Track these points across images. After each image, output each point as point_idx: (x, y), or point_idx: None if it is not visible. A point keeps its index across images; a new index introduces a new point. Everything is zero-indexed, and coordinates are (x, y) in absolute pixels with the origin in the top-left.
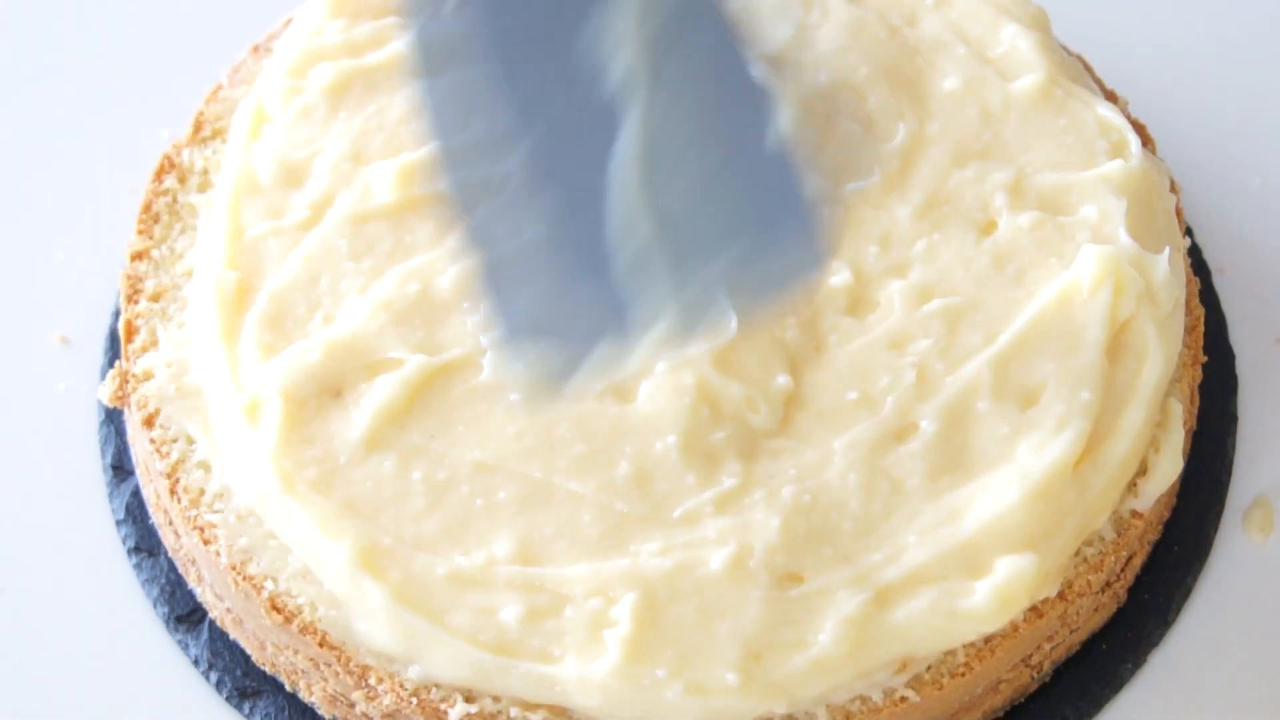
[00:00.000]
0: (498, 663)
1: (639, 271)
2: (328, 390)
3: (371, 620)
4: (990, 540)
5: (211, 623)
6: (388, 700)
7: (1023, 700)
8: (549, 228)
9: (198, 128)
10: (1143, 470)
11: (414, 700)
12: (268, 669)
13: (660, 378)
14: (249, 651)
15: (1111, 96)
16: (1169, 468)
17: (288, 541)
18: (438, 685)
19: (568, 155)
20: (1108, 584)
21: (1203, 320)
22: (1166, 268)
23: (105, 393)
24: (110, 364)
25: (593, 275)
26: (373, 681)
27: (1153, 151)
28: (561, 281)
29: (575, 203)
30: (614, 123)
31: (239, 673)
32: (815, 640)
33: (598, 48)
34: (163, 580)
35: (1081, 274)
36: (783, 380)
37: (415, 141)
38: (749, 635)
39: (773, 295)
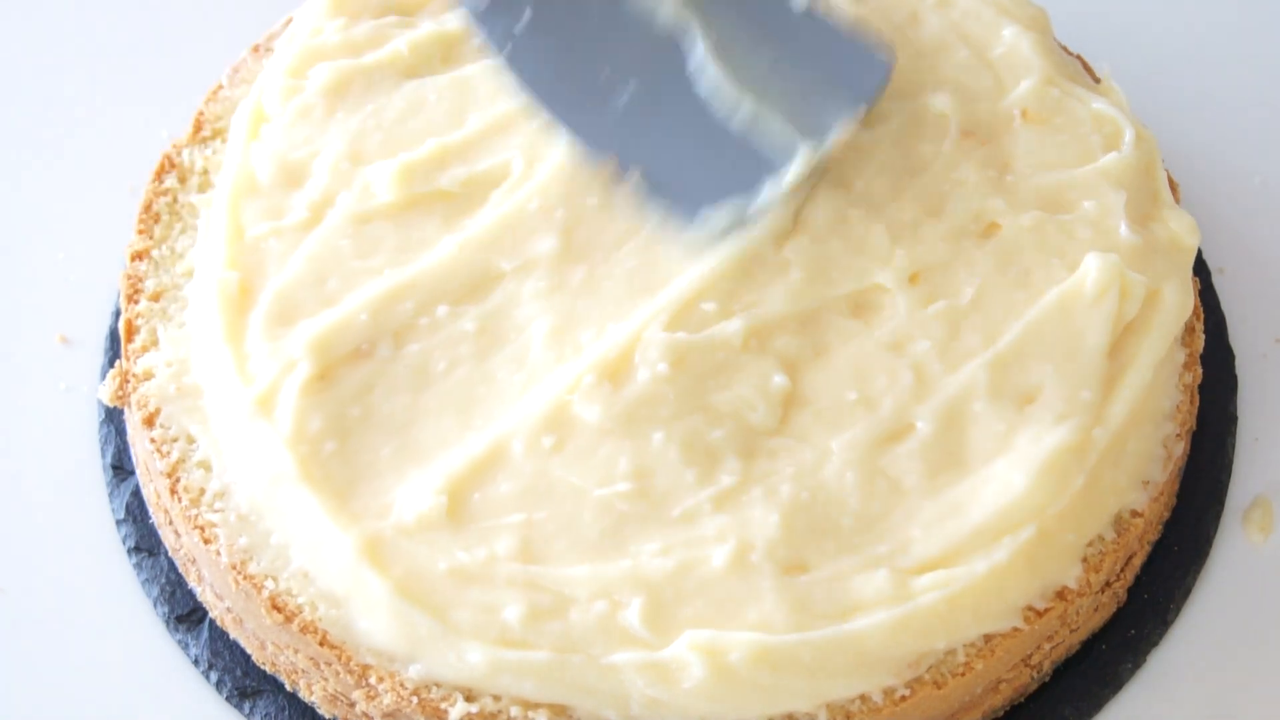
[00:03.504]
0: (527, 658)
1: (758, 136)
2: (356, 354)
3: (372, 615)
4: (1000, 527)
5: (211, 623)
6: (388, 699)
7: (1023, 700)
8: (676, 130)
9: (198, 128)
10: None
11: (414, 699)
12: (268, 669)
13: (660, 378)
14: (249, 651)
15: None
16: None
17: (290, 538)
18: (438, 684)
19: (661, 79)
20: (1108, 584)
21: (1202, 320)
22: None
23: (105, 393)
24: (110, 364)
25: (724, 154)
26: (373, 681)
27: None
28: (705, 163)
29: (684, 109)
30: (680, 45)
31: (239, 673)
32: (855, 609)
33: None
34: (163, 580)
35: (1084, 281)
36: (779, 380)
37: (413, 140)
38: (780, 618)
39: (863, 104)
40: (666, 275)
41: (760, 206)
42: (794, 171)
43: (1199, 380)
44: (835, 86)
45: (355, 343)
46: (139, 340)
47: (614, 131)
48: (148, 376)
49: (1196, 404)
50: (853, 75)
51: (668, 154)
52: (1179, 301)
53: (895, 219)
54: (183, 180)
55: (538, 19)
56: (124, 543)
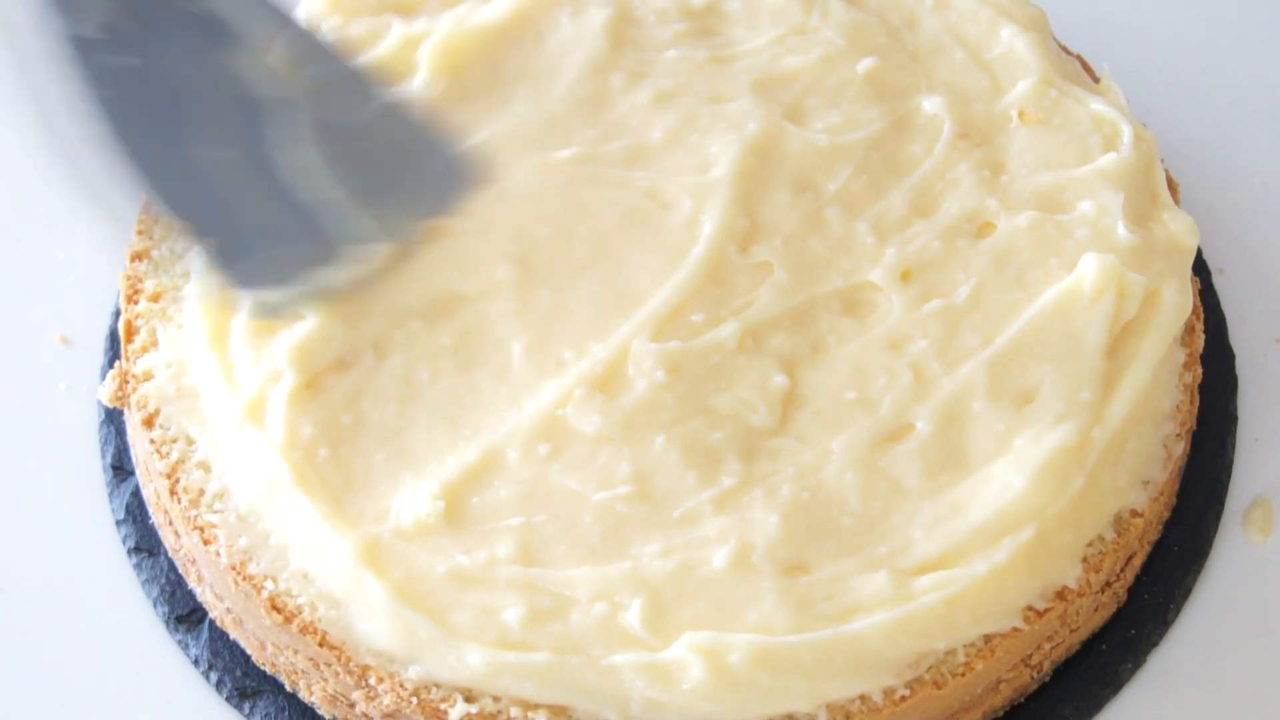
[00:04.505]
0: (526, 660)
1: (334, 223)
2: (340, 363)
3: (371, 618)
4: (1000, 528)
5: (211, 623)
6: (388, 700)
7: (1023, 700)
8: (251, 201)
9: None
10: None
11: (414, 700)
12: (268, 669)
13: (659, 385)
14: (249, 651)
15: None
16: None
17: (289, 539)
18: (438, 685)
19: (251, 147)
20: (1108, 584)
21: (1202, 320)
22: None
23: (105, 393)
24: (110, 364)
25: (293, 235)
26: (373, 681)
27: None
28: (273, 241)
29: (267, 183)
30: (278, 116)
31: (239, 673)
32: (855, 611)
33: (245, 75)
34: (163, 580)
35: (1082, 281)
36: (779, 380)
37: None
38: (779, 620)
39: (432, 213)
40: (637, 296)
41: (315, 294)
42: (360, 269)
43: (1199, 380)
44: (418, 187)
45: (337, 353)
46: (138, 341)
47: (188, 191)
48: (147, 377)
49: (1196, 404)
50: (437, 180)
51: (237, 225)
52: (1178, 302)
53: (881, 218)
54: None
55: (122, 52)
56: (124, 543)
